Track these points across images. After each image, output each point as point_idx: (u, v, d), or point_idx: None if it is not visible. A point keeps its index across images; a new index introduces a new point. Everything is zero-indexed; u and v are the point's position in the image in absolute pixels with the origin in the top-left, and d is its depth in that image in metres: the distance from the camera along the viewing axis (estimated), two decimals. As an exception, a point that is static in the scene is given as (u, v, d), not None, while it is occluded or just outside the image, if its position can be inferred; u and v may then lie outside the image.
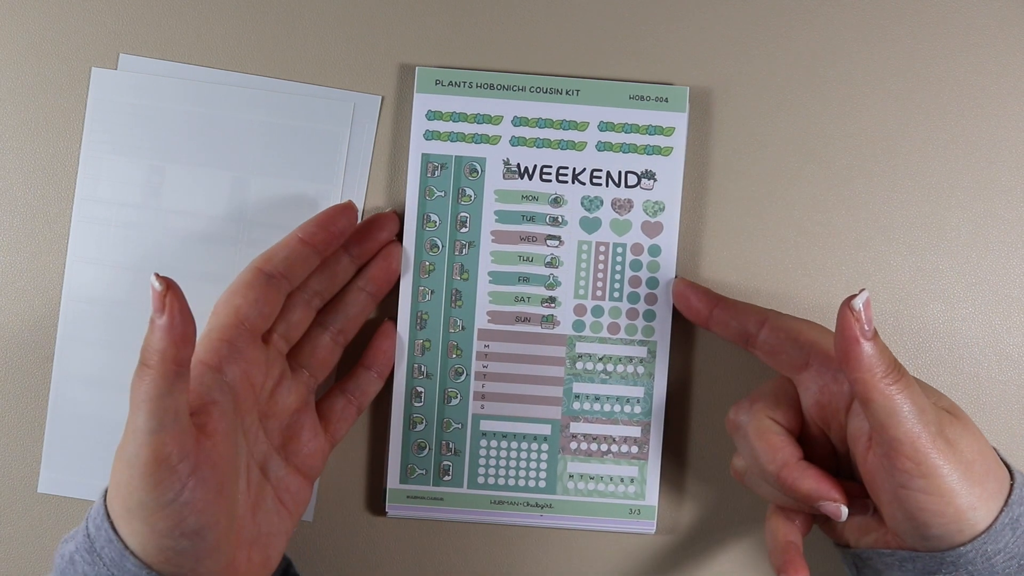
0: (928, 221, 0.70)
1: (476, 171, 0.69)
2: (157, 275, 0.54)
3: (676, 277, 0.69)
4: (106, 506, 0.57)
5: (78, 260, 0.70)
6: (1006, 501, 0.57)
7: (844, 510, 0.60)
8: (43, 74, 0.70)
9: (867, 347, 0.55)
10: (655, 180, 0.69)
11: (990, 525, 0.56)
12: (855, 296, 0.55)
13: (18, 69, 0.70)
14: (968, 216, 0.70)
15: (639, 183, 0.69)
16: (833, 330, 0.60)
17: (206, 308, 0.68)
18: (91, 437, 0.70)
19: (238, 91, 0.70)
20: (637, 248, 0.69)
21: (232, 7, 0.70)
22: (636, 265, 0.69)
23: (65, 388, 0.70)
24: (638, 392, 0.69)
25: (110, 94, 0.70)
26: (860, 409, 0.59)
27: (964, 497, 0.55)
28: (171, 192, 0.70)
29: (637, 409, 0.69)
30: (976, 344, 0.70)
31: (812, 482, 0.60)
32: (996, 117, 0.70)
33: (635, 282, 0.69)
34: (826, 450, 0.63)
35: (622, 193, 0.69)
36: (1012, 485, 0.58)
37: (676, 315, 0.69)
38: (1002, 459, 0.59)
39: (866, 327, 0.55)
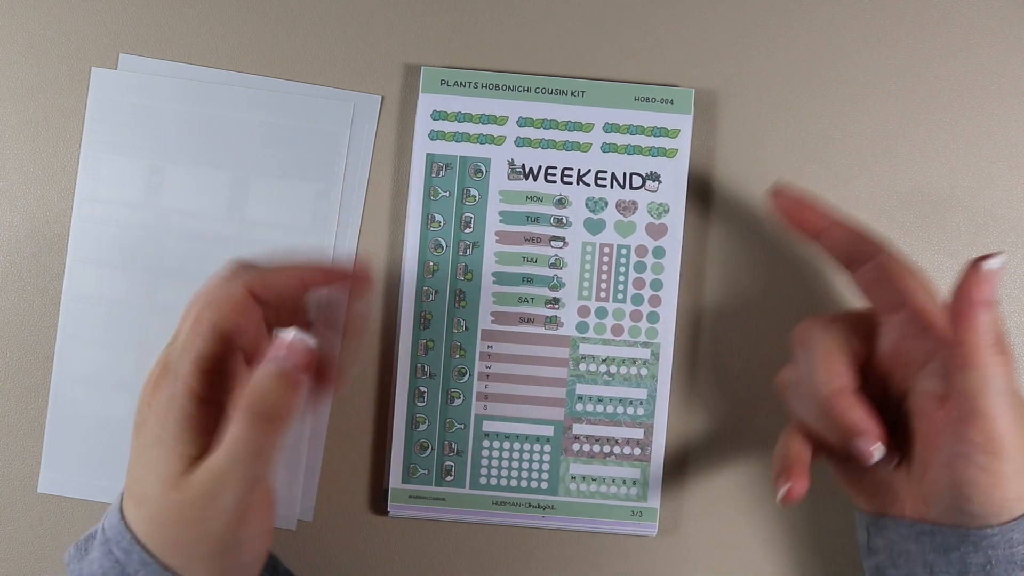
0: (928, 221, 0.70)
1: (481, 171, 0.69)
2: (301, 331, 0.56)
3: (775, 189, 0.65)
4: (131, 530, 0.57)
5: (78, 260, 0.69)
6: None
7: (877, 453, 0.59)
8: (43, 74, 0.70)
9: (984, 312, 0.55)
10: (660, 182, 0.69)
11: (1022, 515, 0.56)
12: (990, 257, 0.55)
13: (18, 69, 0.70)
14: (968, 216, 0.70)
15: (644, 185, 0.69)
16: (931, 286, 0.60)
17: (205, 308, 0.68)
18: (91, 437, 0.69)
19: (238, 91, 0.70)
20: (641, 250, 0.69)
21: (232, 7, 0.70)
22: (640, 267, 0.69)
23: (65, 388, 0.70)
24: (641, 394, 0.69)
25: (110, 94, 0.70)
26: (938, 372, 0.58)
27: (1016, 486, 0.55)
28: (171, 192, 0.69)
29: (640, 411, 0.69)
30: (976, 344, 0.71)
31: (860, 415, 0.59)
32: (996, 117, 0.71)
33: (639, 284, 0.69)
34: (877, 389, 0.62)
35: (626, 195, 0.69)
36: None
37: (679, 317, 0.69)
38: None
39: (989, 291, 0.55)
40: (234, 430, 0.55)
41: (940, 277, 0.70)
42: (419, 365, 0.69)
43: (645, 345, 0.69)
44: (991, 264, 0.54)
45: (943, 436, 0.57)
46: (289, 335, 0.56)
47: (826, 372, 0.60)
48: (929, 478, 0.58)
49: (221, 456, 0.55)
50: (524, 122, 0.69)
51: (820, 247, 0.64)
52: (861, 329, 0.62)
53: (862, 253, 0.62)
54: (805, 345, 0.62)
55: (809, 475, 0.60)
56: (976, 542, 0.56)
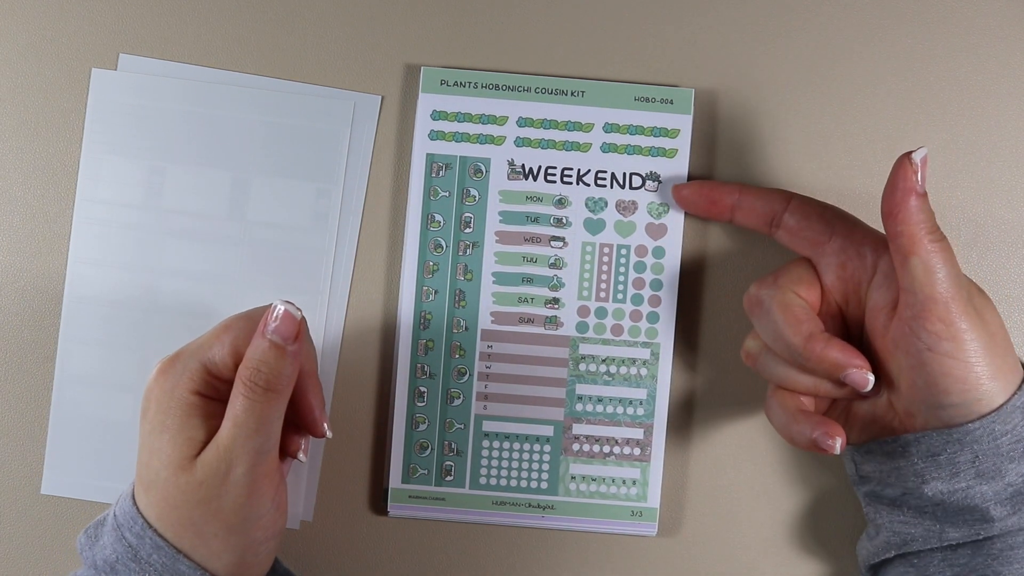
0: (928, 221, 0.70)
1: (481, 171, 0.69)
2: (291, 303, 0.58)
3: (673, 186, 0.68)
4: (143, 516, 0.59)
5: (79, 260, 0.69)
6: (1020, 384, 0.58)
7: (870, 378, 0.60)
8: (43, 74, 0.70)
9: (918, 201, 0.56)
10: (659, 182, 0.69)
11: (1002, 405, 0.57)
12: (914, 151, 0.56)
13: (18, 69, 0.70)
14: (968, 216, 0.70)
15: (643, 185, 0.69)
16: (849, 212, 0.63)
17: (205, 308, 0.68)
18: (94, 438, 0.69)
19: (238, 91, 0.70)
20: (641, 250, 0.69)
21: (232, 7, 0.70)
22: (640, 267, 0.69)
23: (67, 389, 0.70)
24: (641, 394, 0.69)
25: (110, 94, 0.70)
26: (884, 281, 0.60)
27: (985, 366, 0.56)
28: (171, 192, 0.69)
29: (640, 411, 0.69)
30: (976, 344, 0.71)
31: (839, 351, 0.60)
32: (996, 117, 0.71)
33: (639, 284, 0.69)
34: (839, 330, 0.64)
35: (626, 195, 0.69)
36: None
37: (679, 317, 0.69)
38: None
39: (920, 181, 0.56)
40: (235, 405, 0.57)
41: (940, 277, 0.70)
42: (419, 365, 0.69)
43: (645, 345, 0.69)
44: (916, 155, 0.56)
45: (905, 339, 0.58)
46: (279, 308, 0.58)
47: (790, 324, 0.61)
48: (905, 387, 0.59)
49: (225, 432, 0.57)
50: (524, 122, 0.69)
51: (738, 220, 0.66)
52: (805, 275, 0.63)
53: (777, 207, 0.64)
54: (759, 308, 0.63)
55: (829, 418, 0.61)
56: (960, 439, 0.57)
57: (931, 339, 0.56)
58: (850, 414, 0.63)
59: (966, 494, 0.58)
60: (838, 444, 0.59)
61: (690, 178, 0.69)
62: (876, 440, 0.61)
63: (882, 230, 0.60)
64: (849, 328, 0.64)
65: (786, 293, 0.62)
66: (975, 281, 0.61)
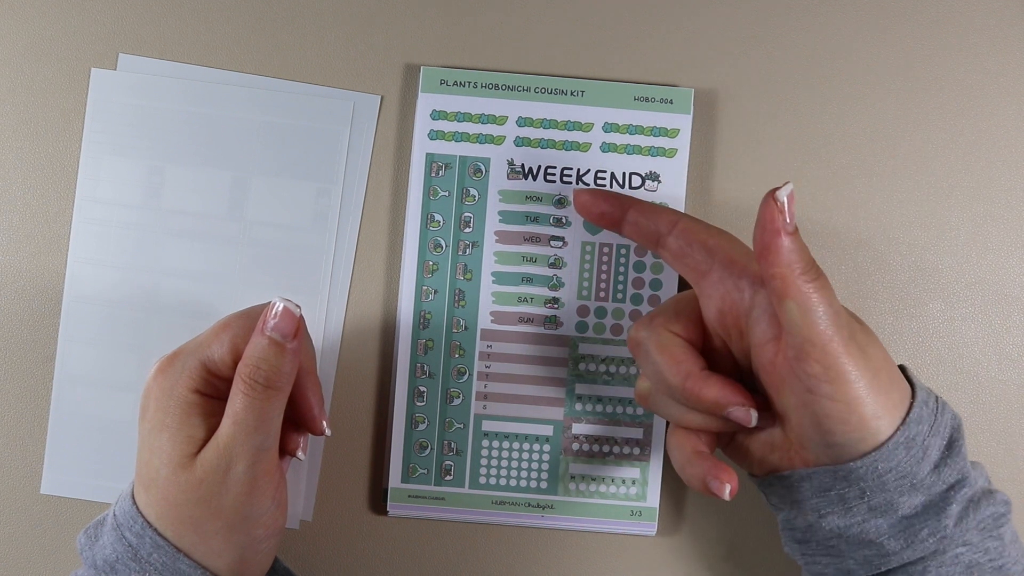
0: (928, 221, 0.70)
1: (480, 171, 0.69)
2: (290, 300, 0.58)
3: (574, 190, 0.66)
4: (143, 515, 0.59)
5: (79, 260, 0.69)
6: (904, 419, 0.56)
7: (754, 414, 0.59)
8: (43, 74, 0.70)
9: (788, 241, 0.54)
10: (659, 182, 0.69)
11: (884, 442, 0.56)
12: (779, 188, 0.54)
13: (18, 69, 0.70)
14: (968, 216, 0.70)
15: (643, 184, 0.69)
16: (743, 241, 0.61)
17: (205, 308, 0.68)
18: (93, 437, 0.70)
19: (238, 91, 0.70)
20: (640, 250, 0.69)
21: (232, 7, 0.70)
22: (639, 267, 0.69)
23: (67, 388, 0.70)
24: (641, 393, 0.69)
25: (110, 94, 0.70)
26: (763, 316, 0.58)
27: (869, 405, 0.55)
28: (171, 192, 0.69)
29: (639, 410, 0.69)
30: (976, 344, 0.71)
31: (717, 389, 0.59)
32: (996, 117, 0.71)
33: (638, 284, 0.69)
34: (728, 364, 0.62)
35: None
36: (912, 403, 0.57)
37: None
38: (907, 376, 0.59)
39: (788, 220, 0.54)
40: (235, 403, 0.57)
41: (940, 277, 0.70)
42: (419, 364, 0.69)
43: (645, 345, 0.69)
44: (781, 194, 0.54)
45: (788, 378, 0.57)
46: (278, 305, 0.58)
47: (668, 365, 0.60)
48: (793, 424, 0.58)
49: (225, 430, 0.57)
50: (523, 122, 0.69)
51: (626, 234, 0.64)
52: (684, 311, 0.62)
53: (665, 224, 0.62)
54: (638, 350, 0.62)
55: (723, 463, 0.60)
56: (846, 476, 0.57)
57: (812, 381, 0.55)
58: (749, 446, 0.62)
59: (862, 528, 0.58)
60: (727, 490, 0.58)
61: (689, 178, 0.70)
62: (774, 474, 0.61)
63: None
64: (738, 362, 0.62)
65: (662, 333, 0.61)
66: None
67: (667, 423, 0.66)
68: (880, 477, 0.56)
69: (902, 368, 0.60)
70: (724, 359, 0.62)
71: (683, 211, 0.69)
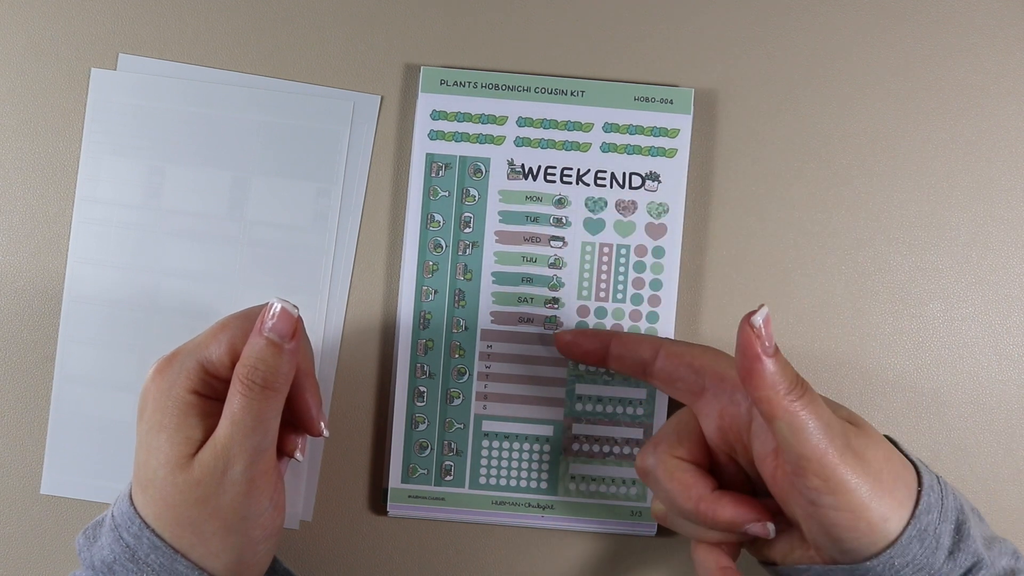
0: (928, 221, 0.70)
1: (480, 171, 0.69)
2: (287, 300, 0.58)
3: (554, 333, 0.69)
4: (141, 516, 0.59)
5: (78, 260, 0.69)
6: (913, 511, 0.56)
7: (771, 527, 0.60)
8: (43, 74, 0.70)
9: (769, 364, 0.54)
10: (659, 182, 0.69)
11: (897, 538, 0.56)
12: (754, 312, 0.55)
13: (18, 69, 0.70)
14: (968, 216, 0.70)
15: (643, 185, 0.69)
16: (727, 353, 0.62)
17: (205, 308, 0.68)
18: (93, 438, 0.69)
19: (238, 91, 0.70)
20: (641, 250, 0.69)
21: (232, 7, 0.70)
22: (640, 267, 0.69)
23: (66, 389, 0.70)
24: (640, 394, 0.69)
25: (110, 94, 0.70)
26: (762, 429, 0.59)
27: (875, 510, 0.55)
28: (171, 192, 0.69)
29: (639, 411, 0.69)
30: (976, 344, 0.71)
31: (731, 509, 0.60)
32: (996, 117, 0.71)
33: (638, 284, 0.69)
34: (738, 475, 0.63)
35: (626, 195, 0.69)
36: (920, 492, 0.57)
37: (679, 317, 0.69)
38: (907, 456, 0.59)
39: (767, 343, 0.54)
40: (232, 403, 0.57)
41: (940, 277, 0.70)
42: (419, 365, 0.69)
43: (645, 345, 0.69)
44: (756, 319, 0.54)
45: (791, 491, 0.58)
46: (276, 306, 0.58)
47: (679, 492, 0.61)
48: (804, 529, 0.59)
49: (223, 431, 0.57)
50: (524, 122, 0.69)
51: (613, 368, 0.66)
52: (685, 432, 0.63)
53: (647, 352, 0.64)
54: (648, 478, 0.63)
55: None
56: (864, 575, 0.57)
57: (812, 494, 0.55)
58: (770, 549, 0.63)
59: None
60: None
61: (689, 178, 0.70)
62: (792, 566, 0.61)
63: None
64: (747, 472, 0.63)
65: (668, 460, 0.62)
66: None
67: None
68: (896, 572, 0.56)
69: (891, 440, 0.60)
70: (733, 471, 0.63)
71: (683, 211, 0.69)
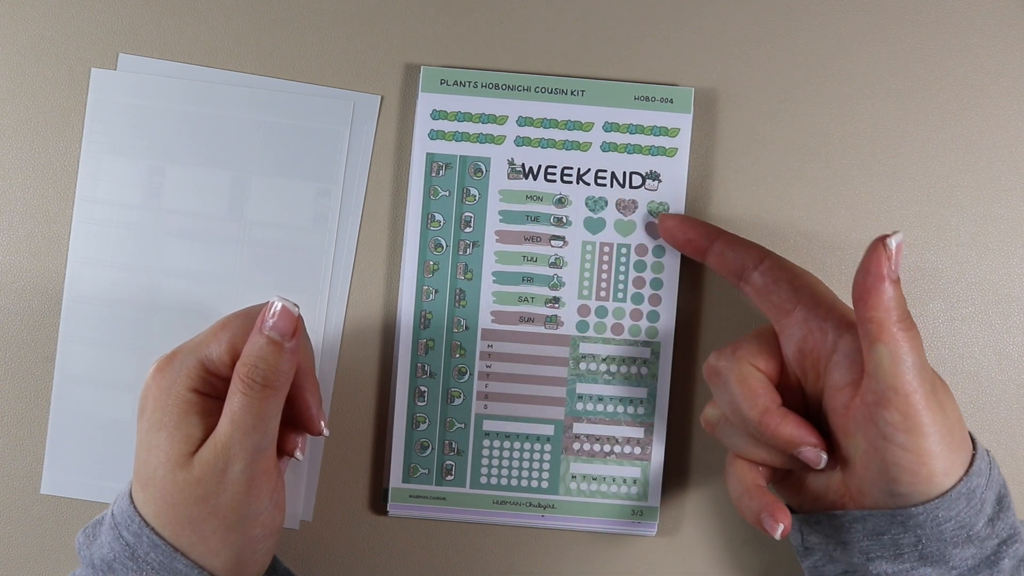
0: (928, 221, 0.70)
1: (481, 171, 0.69)
2: (288, 299, 0.58)
3: (660, 214, 0.68)
4: (140, 514, 0.59)
5: (78, 260, 0.69)
6: (967, 470, 0.57)
7: (823, 456, 0.60)
8: (43, 74, 0.70)
9: (890, 288, 0.55)
10: (659, 181, 0.69)
11: (947, 491, 0.56)
12: (891, 235, 0.55)
13: (18, 69, 0.70)
14: (968, 216, 0.70)
15: (643, 184, 0.69)
16: (823, 283, 0.62)
17: (205, 308, 0.68)
18: (93, 437, 0.69)
19: (238, 91, 0.70)
20: (641, 249, 0.69)
21: (232, 7, 0.70)
22: (640, 266, 0.69)
23: (66, 388, 0.69)
24: (641, 393, 0.69)
25: (110, 94, 0.70)
26: (844, 360, 0.59)
27: (940, 460, 0.56)
28: (171, 192, 0.69)
29: (640, 410, 0.69)
30: (976, 344, 0.71)
31: (794, 427, 0.60)
32: (996, 117, 0.71)
33: (639, 283, 0.69)
34: (798, 402, 0.63)
35: (626, 194, 0.69)
36: (974, 455, 0.58)
37: (680, 316, 0.69)
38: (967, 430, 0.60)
39: (894, 267, 0.55)
40: (233, 402, 0.57)
41: (940, 277, 0.70)
42: (419, 364, 0.69)
43: (645, 344, 0.69)
44: (892, 241, 0.55)
45: (863, 423, 0.58)
46: (276, 304, 0.58)
47: (747, 398, 0.61)
48: (858, 468, 0.59)
49: (223, 429, 0.57)
50: (524, 121, 0.69)
51: (710, 264, 0.66)
52: (764, 346, 0.63)
53: (752, 258, 0.64)
54: (717, 379, 0.63)
55: (780, 502, 0.61)
56: (904, 522, 0.57)
57: (888, 429, 0.56)
58: (804, 483, 0.63)
59: (910, 575, 0.58)
60: (779, 530, 0.59)
61: (689, 177, 0.70)
62: (824, 512, 0.61)
63: (850, 301, 0.59)
64: (808, 400, 0.63)
65: (744, 365, 0.62)
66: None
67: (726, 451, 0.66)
68: (939, 526, 0.57)
69: None
70: (795, 397, 0.63)
71: (683, 211, 0.69)
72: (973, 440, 0.59)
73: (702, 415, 0.66)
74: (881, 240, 0.55)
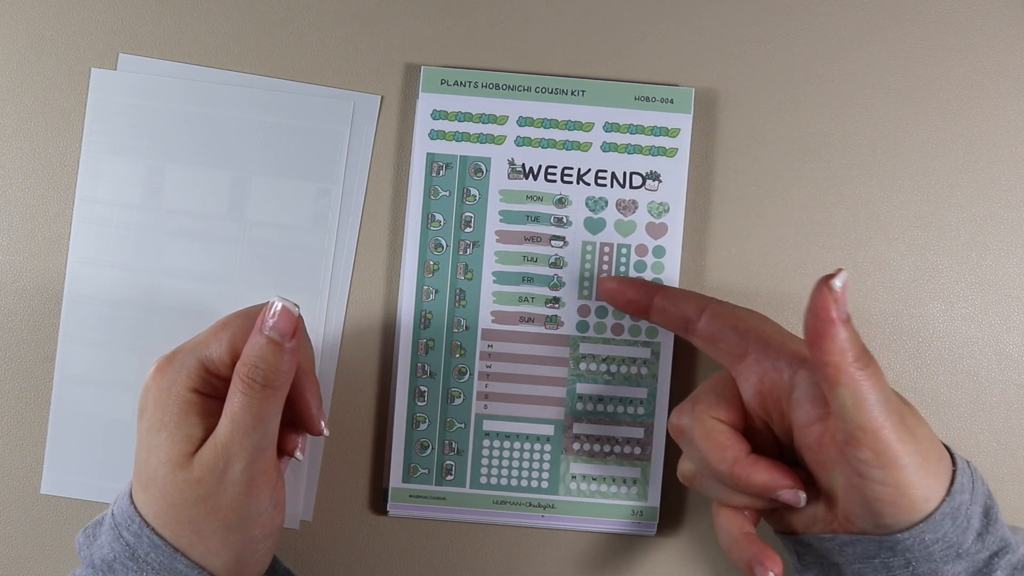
0: (928, 221, 0.70)
1: (481, 171, 0.69)
2: (288, 299, 0.58)
3: (600, 278, 0.69)
4: (141, 515, 0.59)
5: (78, 260, 0.69)
6: (948, 490, 0.57)
7: (802, 496, 0.60)
8: (43, 74, 0.70)
9: (842, 329, 0.54)
10: (660, 181, 0.69)
11: (930, 514, 0.56)
12: (834, 276, 0.54)
13: (18, 69, 0.70)
14: (968, 216, 0.70)
15: (644, 184, 0.69)
16: (770, 319, 0.62)
17: (205, 308, 0.68)
18: (93, 437, 0.69)
19: (238, 91, 0.70)
20: (641, 249, 0.69)
21: (232, 7, 0.70)
22: (640, 266, 0.69)
23: (66, 388, 0.69)
24: (641, 393, 0.69)
25: (110, 94, 0.70)
26: (805, 397, 0.59)
27: (920, 488, 0.55)
28: (171, 192, 0.69)
29: (640, 410, 0.69)
30: (976, 344, 0.71)
31: (766, 474, 0.60)
32: (996, 117, 0.71)
33: (639, 283, 0.69)
34: (769, 441, 0.63)
35: (627, 194, 0.69)
36: (954, 472, 0.58)
37: (679, 315, 0.69)
38: (944, 444, 0.60)
39: (842, 308, 0.54)
40: (233, 402, 0.57)
41: (940, 277, 0.70)
42: (419, 364, 0.69)
43: (645, 344, 0.69)
44: (836, 282, 0.54)
45: (838, 460, 0.58)
46: (277, 304, 0.58)
47: (714, 452, 0.61)
48: (841, 501, 0.59)
49: (223, 429, 0.57)
50: (524, 121, 0.69)
51: (654, 321, 0.66)
52: (724, 394, 0.63)
53: (692, 309, 0.63)
54: (682, 437, 0.63)
55: (769, 548, 0.61)
56: (892, 547, 0.57)
57: (863, 467, 0.55)
58: (792, 519, 0.63)
59: None
60: None
61: (690, 177, 0.70)
62: (815, 535, 0.61)
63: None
64: (779, 437, 0.63)
65: (705, 420, 0.61)
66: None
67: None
68: (927, 548, 0.56)
69: None
70: (765, 438, 0.63)
71: (682, 216, 0.69)
72: (952, 455, 0.59)
73: (678, 470, 0.65)
74: (825, 281, 0.54)
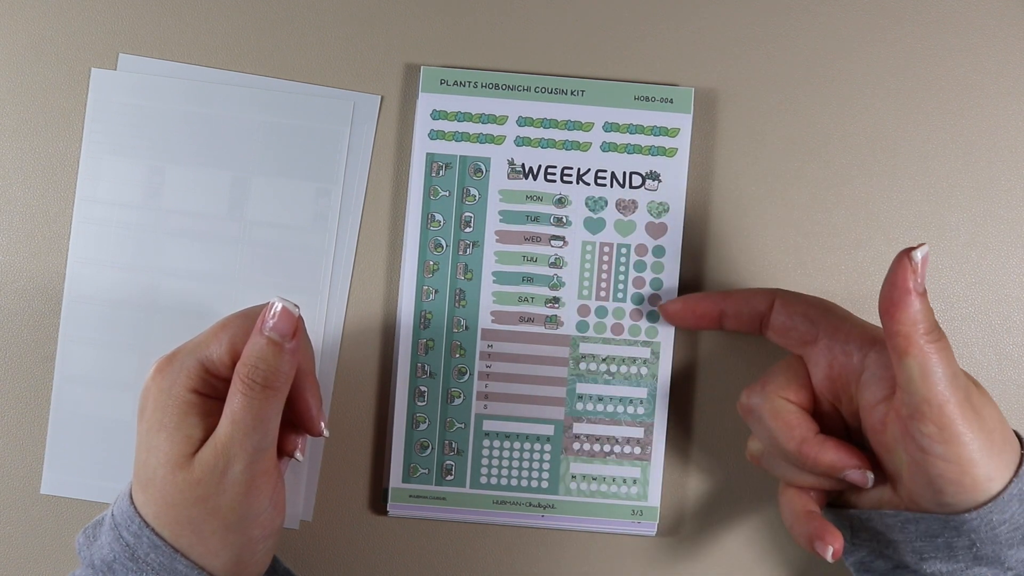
0: (928, 221, 0.70)
1: (481, 171, 0.69)
2: (288, 300, 0.58)
3: (659, 306, 0.69)
4: (140, 515, 0.59)
5: (78, 260, 0.69)
6: (1016, 471, 0.57)
7: (870, 476, 0.60)
8: (43, 74, 0.70)
9: (916, 300, 0.55)
10: (659, 181, 0.69)
11: (998, 494, 0.56)
12: (916, 248, 0.55)
13: (18, 69, 0.70)
14: (968, 216, 0.70)
15: (643, 184, 0.69)
16: (836, 304, 0.63)
17: (205, 308, 0.68)
18: (93, 438, 0.69)
19: (238, 91, 0.70)
20: (641, 249, 0.69)
21: (232, 7, 0.70)
22: (640, 266, 0.69)
23: (66, 388, 0.69)
24: (641, 393, 0.69)
25: (109, 94, 0.70)
26: (874, 378, 0.59)
27: (983, 467, 0.55)
28: (171, 192, 0.69)
29: (640, 410, 0.69)
30: (976, 344, 0.71)
31: (833, 453, 0.60)
32: (996, 117, 0.71)
33: (639, 283, 0.69)
34: (837, 424, 0.63)
35: (626, 194, 0.69)
36: (1022, 455, 0.58)
37: (679, 315, 0.69)
38: (1014, 431, 0.59)
39: (919, 280, 0.55)
40: (233, 402, 0.57)
41: (940, 277, 0.70)
42: (419, 364, 0.69)
43: (645, 344, 0.69)
44: (917, 254, 0.55)
45: (901, 437, 0.58)
46: (277, 305, 0.58)
47: (783, 431, 0.61)
48: (906, 481, 0.59)
49: (223, 430, 0.57)
50: (524, 121, 0.69)
51: (729, 328, 0.66)
52: (794, 376, 0.63)
53: (763, 304, 0.64)
54: (751, 416, 0.64)
55: (831, 524, 0.61)
56: (957, 527, 0.57)
57: (925, 441, 0.55)
58: (857, 502, 0.63)
59: (964, 575, 0.58)
60: (829, 552, 0.59)
61: (689, 177, 0.70)
62: (878, 511, 0.61)
63: (870, 318, 0.59)
64: (847, 421, 0.63)
65: (775, 400, 0.62)
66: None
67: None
68: (993, 529, 0.56)
69: None
70: (834, 420, 0.63)
71: (682, 216, 0.69)
72: (1020, 437, 0.59)
73: (747, 449, 0.66)
74: (906, 253, 0.55)
